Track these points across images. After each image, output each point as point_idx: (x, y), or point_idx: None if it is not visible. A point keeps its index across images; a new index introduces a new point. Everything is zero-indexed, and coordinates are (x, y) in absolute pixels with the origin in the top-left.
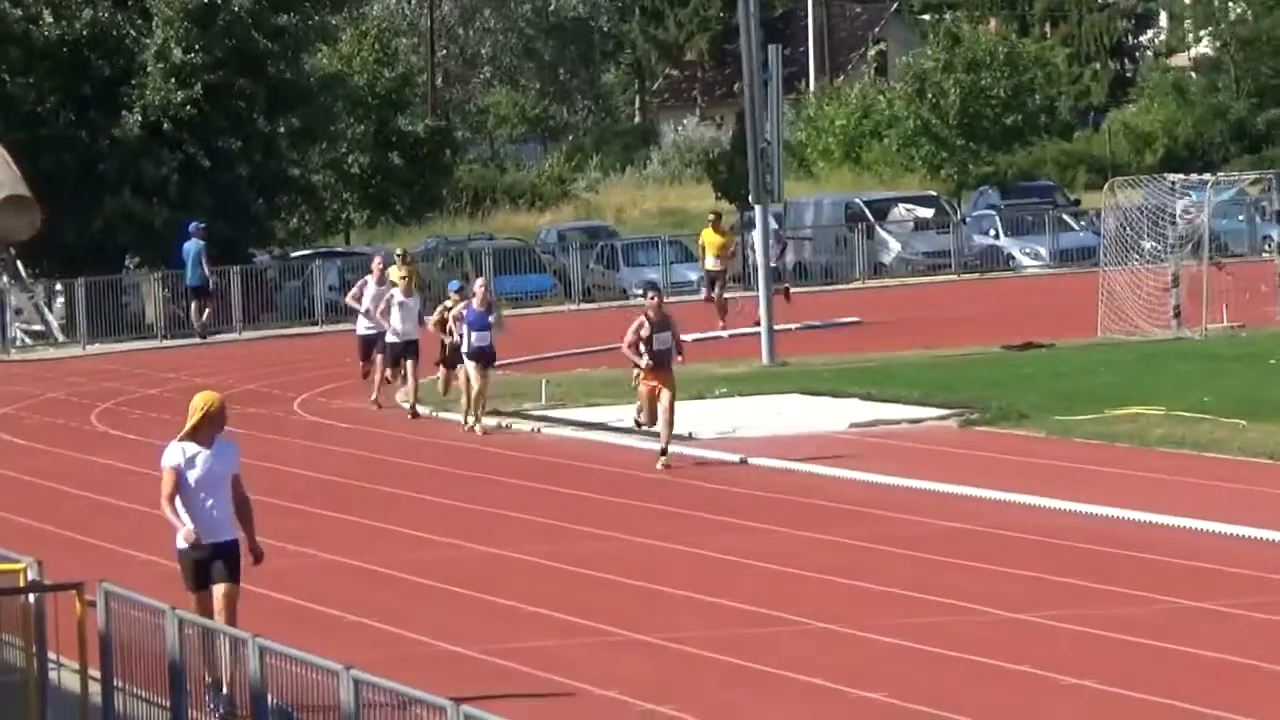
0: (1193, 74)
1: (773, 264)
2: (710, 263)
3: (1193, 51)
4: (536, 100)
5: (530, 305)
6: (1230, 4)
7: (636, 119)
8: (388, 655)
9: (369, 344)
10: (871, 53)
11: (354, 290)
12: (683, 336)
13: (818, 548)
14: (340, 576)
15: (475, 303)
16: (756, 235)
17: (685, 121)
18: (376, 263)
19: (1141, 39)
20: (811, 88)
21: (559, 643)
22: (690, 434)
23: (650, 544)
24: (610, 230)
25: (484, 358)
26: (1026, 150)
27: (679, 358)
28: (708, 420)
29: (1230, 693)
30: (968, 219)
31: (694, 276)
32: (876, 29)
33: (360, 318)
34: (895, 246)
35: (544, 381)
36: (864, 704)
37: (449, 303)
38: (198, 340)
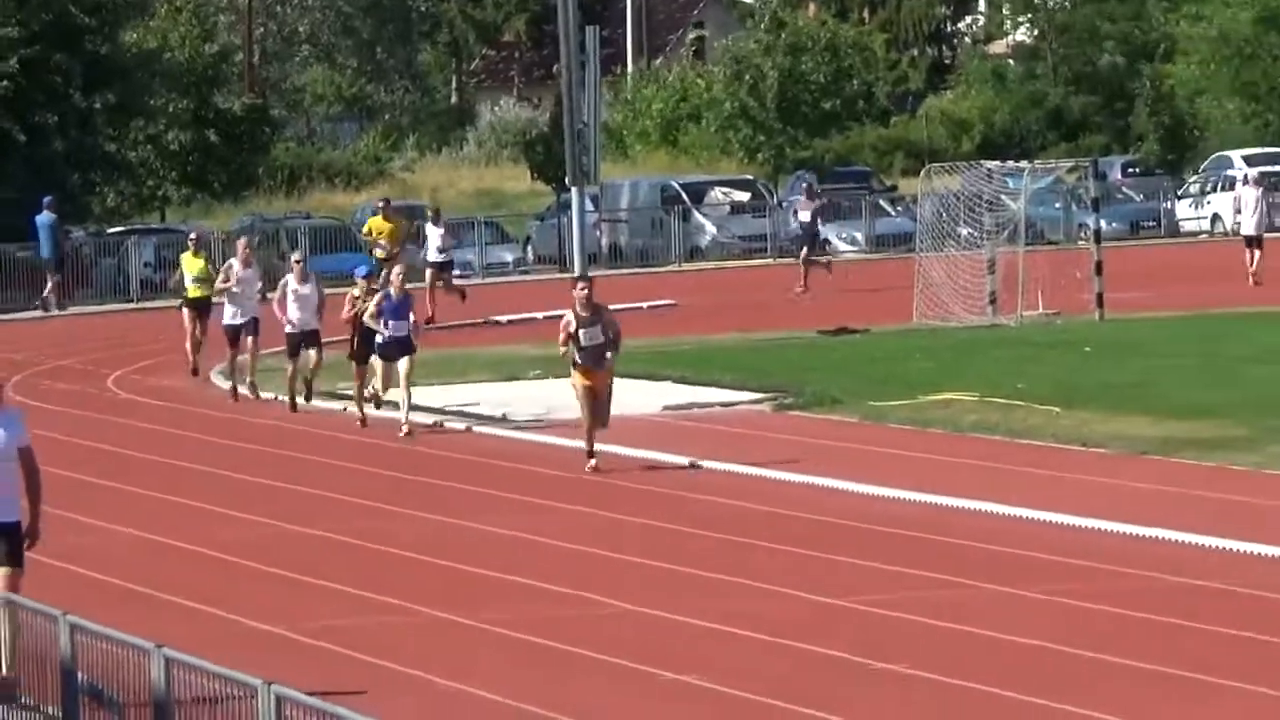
0: (1011, 61)
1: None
2: (379, 250)
3: (1011, 39)
4: (354, 79)
5: (349, 285)
6: None
7: (454, 99)
8: (199, 633)
9: (236, 334)
10: (690, 36)
11: (221, 275)
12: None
13: (631, 530)
14: (150, 554)
15: (393, 291)
16: (574, 218)
17: (502, 102)
18: (242, 245)
19: (960, 25)
20: (629, 70)
21: (370, 621)
22: (504, 415)
23: (462, 525)
24: (426, 210)
25: (401, 349)
26: (844, 135)
27: (609, 356)
28: (522, 403)
29: (1039, 677)
30: (784, 203)
31: (509, 257)
32: (695, 12)
33: (226, 306)
34: (711, 230)
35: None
36: (675, 686)
37: (357, 290)
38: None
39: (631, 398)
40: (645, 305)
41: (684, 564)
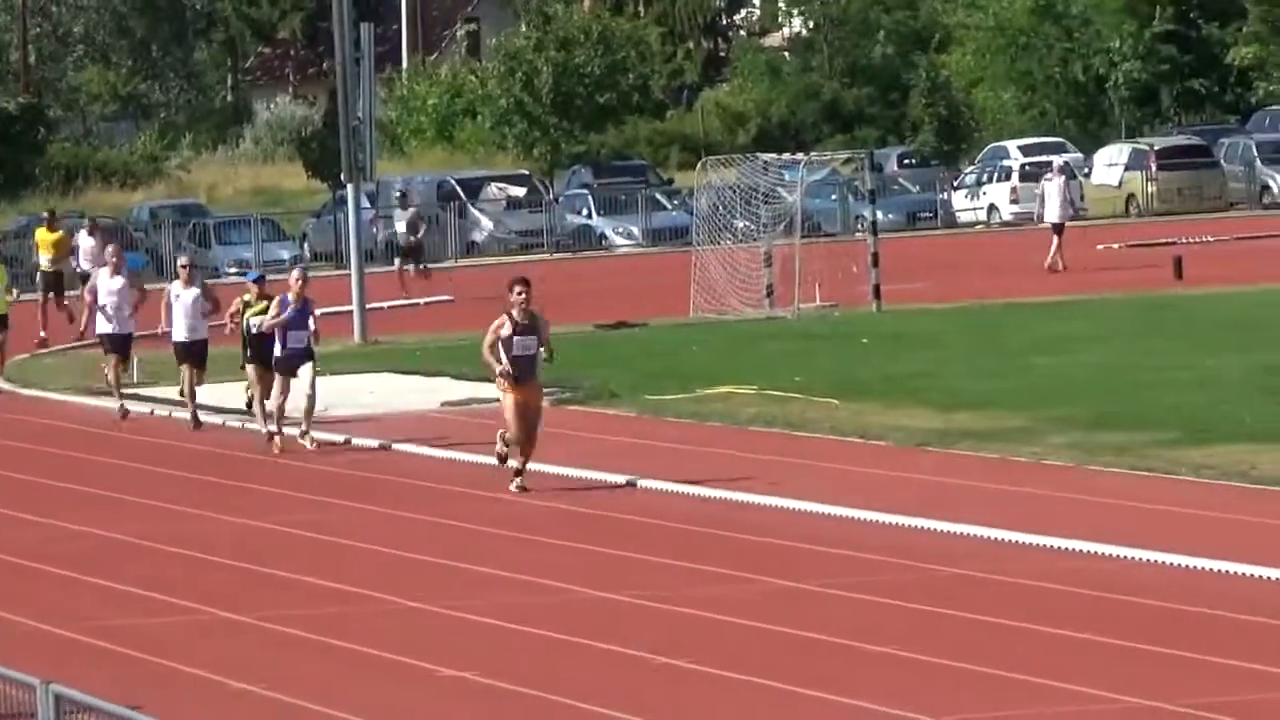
0: (786, 54)
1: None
2: (45, 262)
3: (786, 31)
4: (129, 78)
5: None
6: None
7: (229, 97)
8: None
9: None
10: (460, 32)
11: (89, 284)
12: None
13: (413, 528)
14: None
15: (290, 296)
16: (350, 215)
17: (278, 100)
18: (110, 252)
19: (735, 18)
20: (404, 66)
21: (153, 622)
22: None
23: (245, 524)
24: (203, 208)
25: (301, 360)
26: (619, 129)
27: (539, 367)
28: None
29: (824, 671)
30: (560, 198)
31: (286, 255)
32: (469, 8)
33: (99, 317)
34: (488, 225)
35: (135, 359)
36: (455, 682)
37: (248, 296)
38: None
39: (410, 394)
40: (422, 301)
41: (470, 561)
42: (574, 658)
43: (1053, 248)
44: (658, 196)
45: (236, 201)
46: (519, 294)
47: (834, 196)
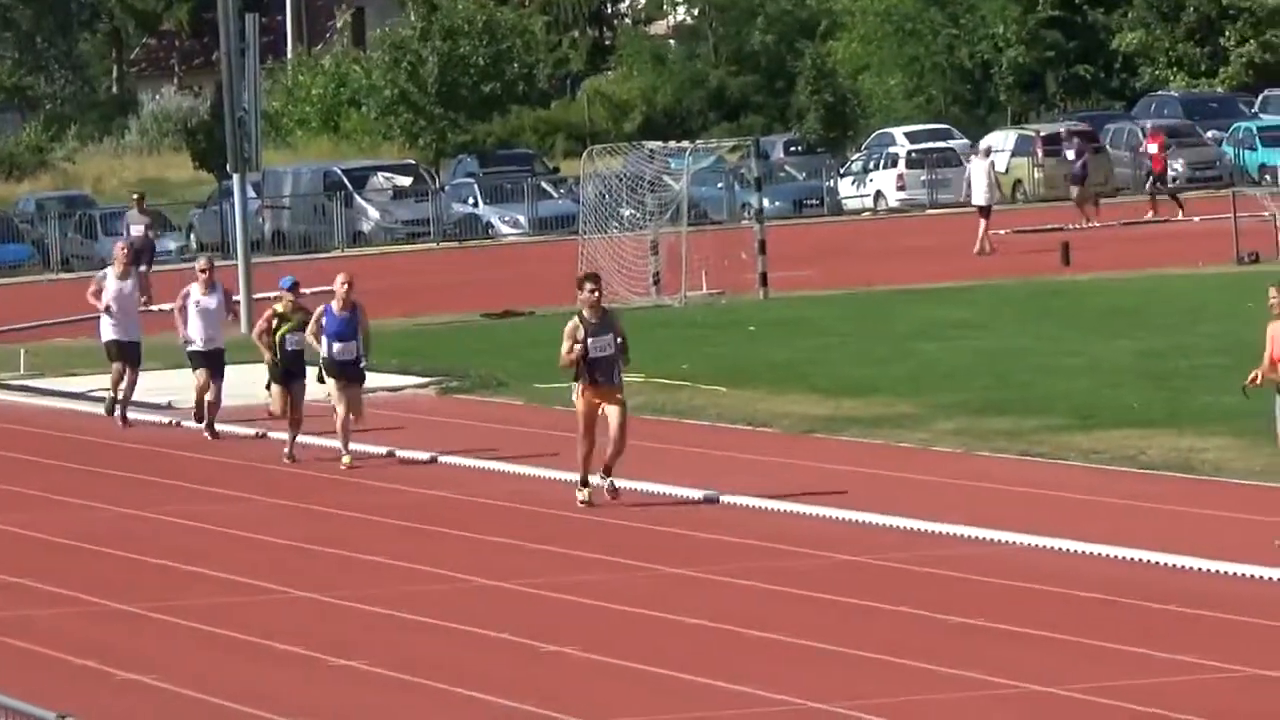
0: (671, 42)
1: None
2: None
3: (671, 19)
4: (13, 70)
5: (8, 275)
6: None
7: (114, 89)
8: None
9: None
10: (339, 23)
11: (93, 286)
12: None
13: (298, 517)
14: None
15: (335, 305)
16: (236, 205)
17: (164, 91)
18: (120, 248)
19: (620, 6)
20: (289, 57)
21: (38, 613)
22: (169, 403)
23: (129, 514)
24: (89, 199)
25: (348, 375)
26: (505, 119)
27: (620, 369)
28: (188, 391)
29: (711, 657)
30: (446, 187)
31: (173, 245)
32: None
33: (104, 320)
34: (374, 215)
35: (22, 351)
36: (342, 671)
37: (279, 307)
38: None
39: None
40: (309, 291)
41: (358, 550)
42: (460, 645)
43: (980, 231)
44: (544, 185)
45: (122, 193)
46: (590, 291)
47: (720, 184)
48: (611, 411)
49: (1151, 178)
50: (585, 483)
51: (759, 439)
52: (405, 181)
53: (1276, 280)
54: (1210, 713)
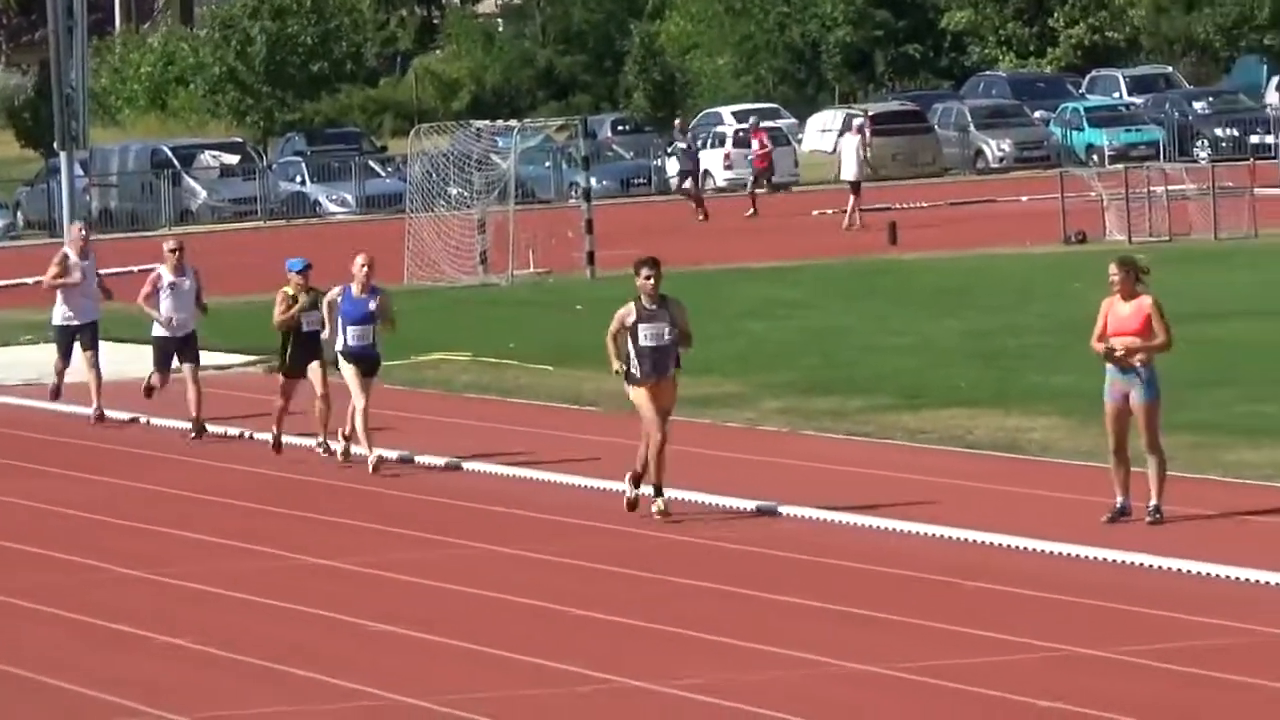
0: (499, 21)
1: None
2: None
3: None
4: None
5: None
6: None
7: None
8: None
9: (71, 337)
10: (164, 1)
11: (53, 270)
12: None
13: (130, 496)
14: None
15: (354, 288)
16: (63, 183)
17: None
18: (76, 229)
19: None
20: (117, 34)
21: None
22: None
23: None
24: None
25: (364, 363)
26: (333, 97)
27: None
28: (17, 369)
29: (537, 635)
30: (274, 166)
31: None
32: None
33: (60, 304)
34: (202, 193)
35: None
36: (169, 649)
37: (289, 289)
38: None
39: (127, 364)
40: (136, 269)
41: (187, 529)
42: (284, 623)
43: (849, 207)
44: (371, 164)
45: None
46: (646, 276)
47: (548, 163)
48: (664, 406)
49: (755, 175)
50: (637, 483)
51: (584, 418)
52: (232, 160)
53: (1118, 256)
54: (1036, 691)
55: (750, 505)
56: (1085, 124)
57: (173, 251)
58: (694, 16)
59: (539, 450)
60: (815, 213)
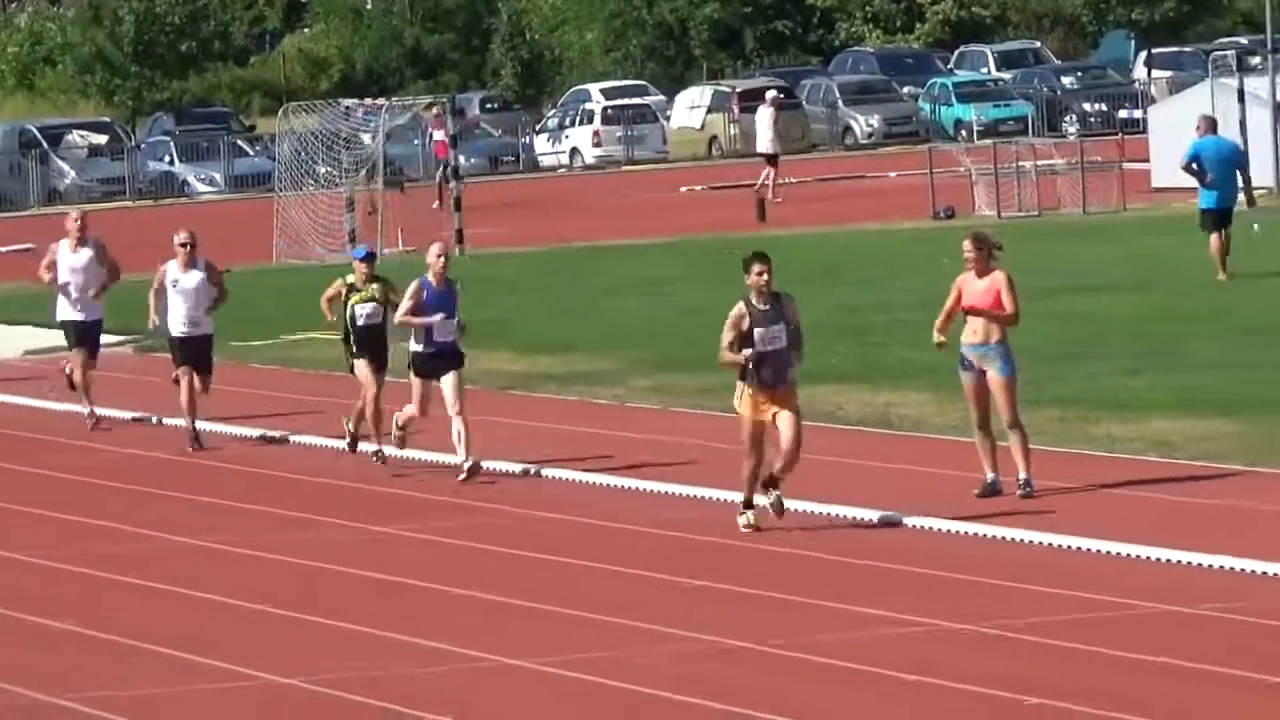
0: (368, 0)
1: None
2: None
3: None
4: None
5: None
6: None
7: None
8: None
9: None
10: None
11: (45, 259)
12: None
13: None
14: None
15: (431, 280)
16: None
17: None
18: (73, 220)
19: None
20: None
21: None
22: None
23: None
24: None
25: (449, 362)
26: (201, 76)
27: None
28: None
29: (404, 614)
30: (142, 145)
31: None
32: None
33: (60, 300)
34: (70, 173)
35: None
36: (40, 631)
37: (351, 277)
38: None
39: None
40: (3, 249)
41: (59, 510)
42: (162, 605)
43: (763, 178)
44: (240, 143)
45: None
46: (759, 274)
47: (416, 142)
48: (783, 419)
49: (442, 166)
50: (750, 504)
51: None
52: (101, 139)
53: (971, 232)
54: (904, 665)
55: (618, 483)
56: (953, 99)
57: (183, 246)
58: None
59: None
60: (684, 189)
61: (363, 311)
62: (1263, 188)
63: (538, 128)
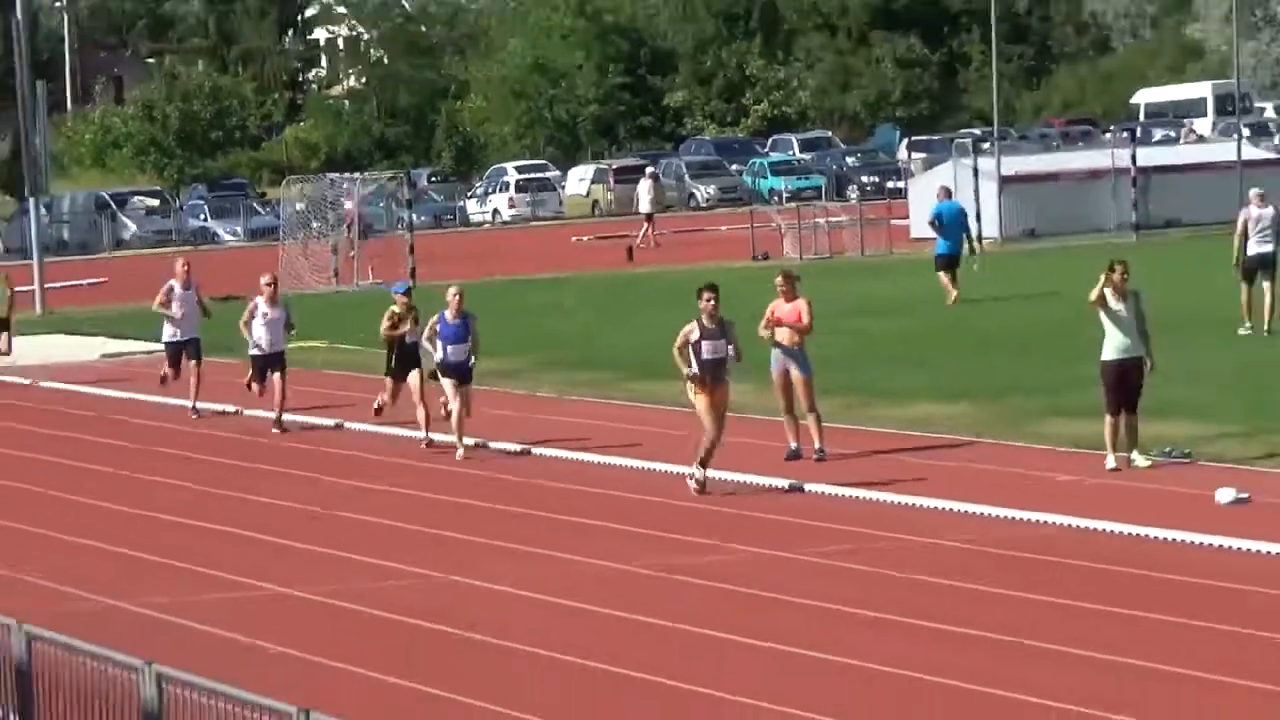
0: (346, 102)
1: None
2: None
3: (345, 85)
4: None
5: None
6: (371, 50)
7: None
8: None
9: (178, 350)
10: (98, 87)
11: (160, 297)
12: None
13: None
14: None
15: (448, 314)
16: (32, 219)
17: None
18: (180, 265)
19: (309, 75)
20: (69, 110)
21: None
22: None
23: None
24: None
25: (460, 375)
26: (227, 156)
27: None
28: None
29: (312, 575)
30: (184, 206)
31: None
32: (115, 69)
33: (166, 325)
34: (133, 227)
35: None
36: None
37: (396, 308)
38: None
39: (78, 350)
40: (85, 282)
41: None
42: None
43: (643, 231)
44: (255, 205)
45: None
46: (708, 300)
47: (381, 204)
48: (719, 406)
49: (350, 227)
50: (705, 464)
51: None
52: (154, 202)
53: (781, 270)
54: (744, 582)
55: (516, 447)
56: (768, 173)
57: (268, 285)
58: (487, 97)
59: (361, 412)
60: (574, 239)
61: (411, 335)
62: (991, 237)
63: (469, 194)
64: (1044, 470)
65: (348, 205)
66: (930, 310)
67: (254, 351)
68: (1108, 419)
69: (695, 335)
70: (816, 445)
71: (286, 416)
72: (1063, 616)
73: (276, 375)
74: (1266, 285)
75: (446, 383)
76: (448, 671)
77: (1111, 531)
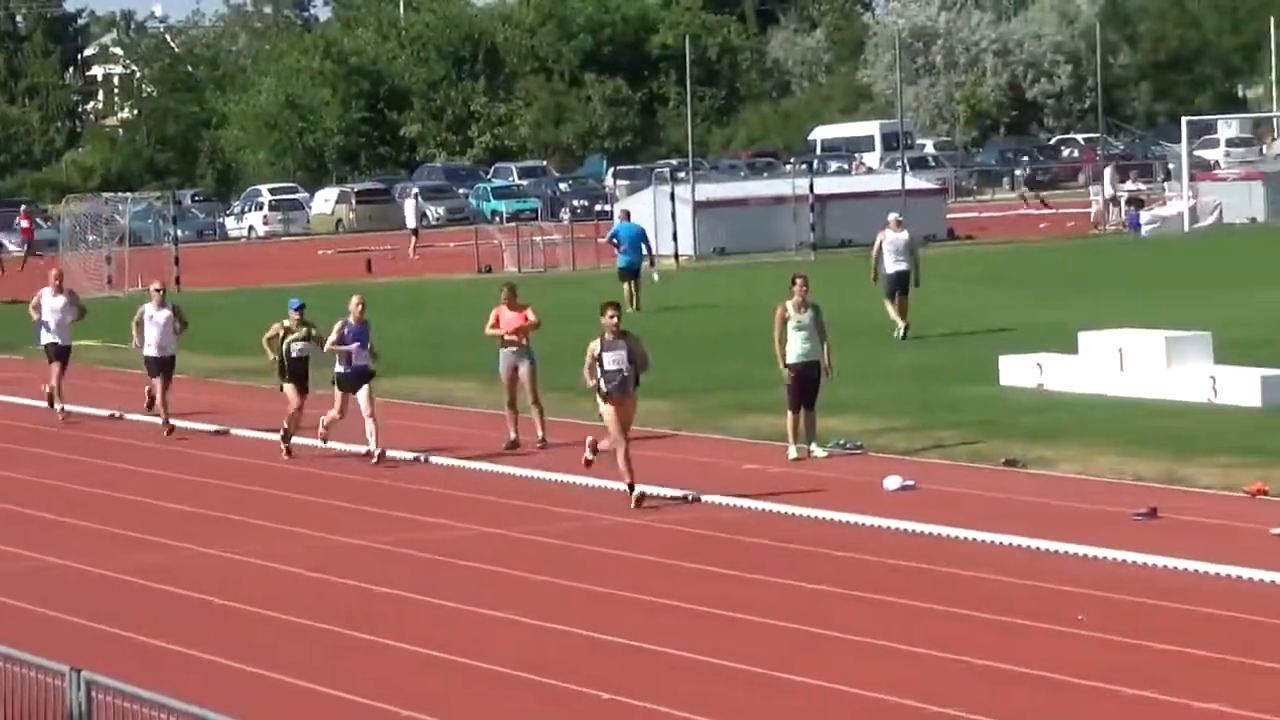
0: (120, 130)
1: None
2: None
3: (120, 115)
4: None
5: None
6: (143, 85)
7: None
8: None
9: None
10: None
11: (34, 300)
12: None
13: None
14: None
15: (352, 320)
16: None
17: None
18: (54, 274)
19: (88, 107)
20: None
21: None
22: None
23: None
24: None
25: (361, 378)
26: (13, 177)
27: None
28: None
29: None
30: None
31: None
32: None
33: (43, 330)
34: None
35: None
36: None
37: (287, 322)
38: None
39: None
40: None
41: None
42: None
43: (412, 245)
44: (38, 220)
45: None
46: (610, 316)
47: (150, 220)
48: (625, 417)
49: (27, 245)
50: (632, 486)
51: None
52: None
53: (505, 281)
54: (473, 557)
55: (362, 449)
56: (491, 197)
57: (156, 291)
58: (244, 128)
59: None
60: (320, 252)
61: (296, 347)
62: (686, 255)
63: (228, 212)
64: (733, 460)
65: (24, 224)
66: (627, 318)
67: (148, 353)
68: (789, 414)
69: (598, 349)
70: (539, 435)
71: (69, 407)
72: (740, 587)
73: (158, 380)
74: (901, 299)
75: (340, 394)
76: (188, 630)
77: (791, 514)
